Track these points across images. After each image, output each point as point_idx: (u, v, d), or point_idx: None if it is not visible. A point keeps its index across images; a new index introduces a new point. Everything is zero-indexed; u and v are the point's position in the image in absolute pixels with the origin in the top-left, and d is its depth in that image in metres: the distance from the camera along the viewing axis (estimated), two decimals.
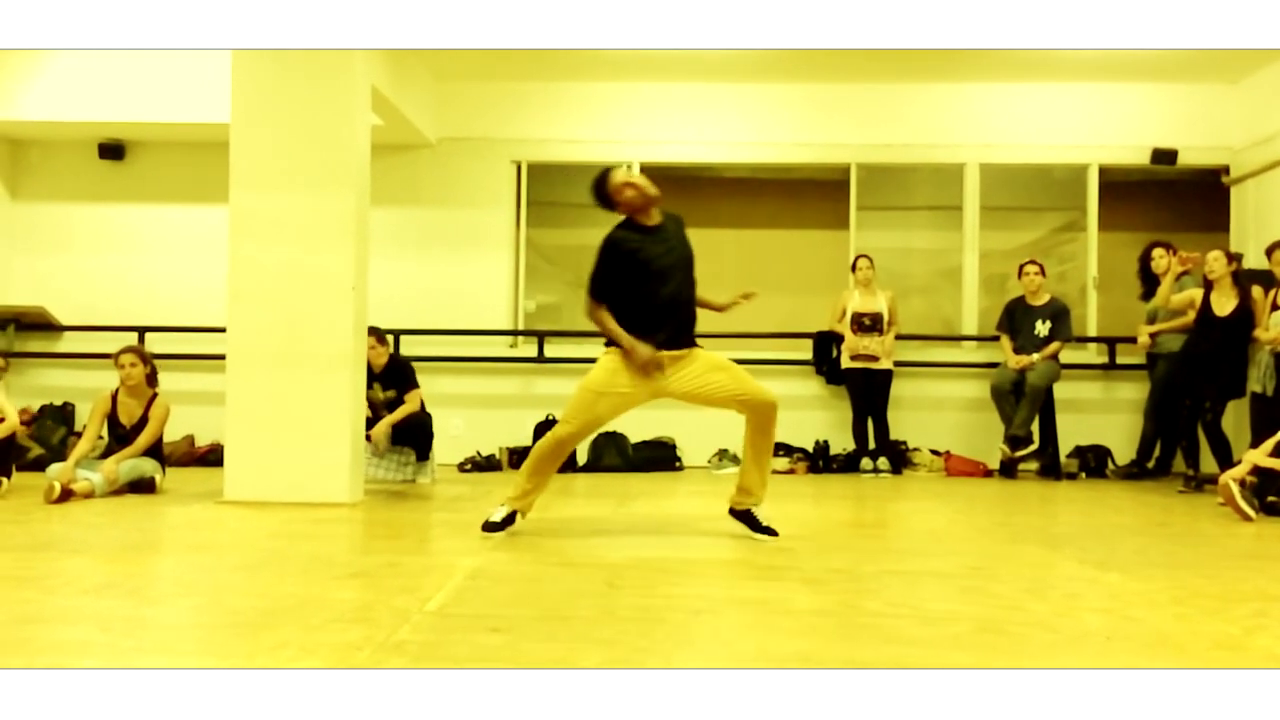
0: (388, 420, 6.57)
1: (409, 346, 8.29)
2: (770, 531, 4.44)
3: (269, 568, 3.74)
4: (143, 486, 6.07)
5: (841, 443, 8.22)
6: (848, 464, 8.05)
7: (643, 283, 4.33)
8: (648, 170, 8.71)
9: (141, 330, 8.37)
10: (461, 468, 7.98)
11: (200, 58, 7.49)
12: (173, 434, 7.33)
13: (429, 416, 6.84)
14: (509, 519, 4.46)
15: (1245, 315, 6.66)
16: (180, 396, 7.11)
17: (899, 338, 8.16)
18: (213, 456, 7.70)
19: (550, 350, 8.49)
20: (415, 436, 6.78)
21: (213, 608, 3.11)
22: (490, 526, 4.42)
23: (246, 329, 5.71)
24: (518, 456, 8.20)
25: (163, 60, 7.80)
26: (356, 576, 3.55)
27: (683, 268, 4.43)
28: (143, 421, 6.19)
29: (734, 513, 4.53)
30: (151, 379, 6.33)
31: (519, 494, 4.49)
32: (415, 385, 6.83)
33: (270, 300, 5.69)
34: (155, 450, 6.23)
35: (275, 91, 5.74)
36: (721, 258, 9.17)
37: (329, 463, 5.63)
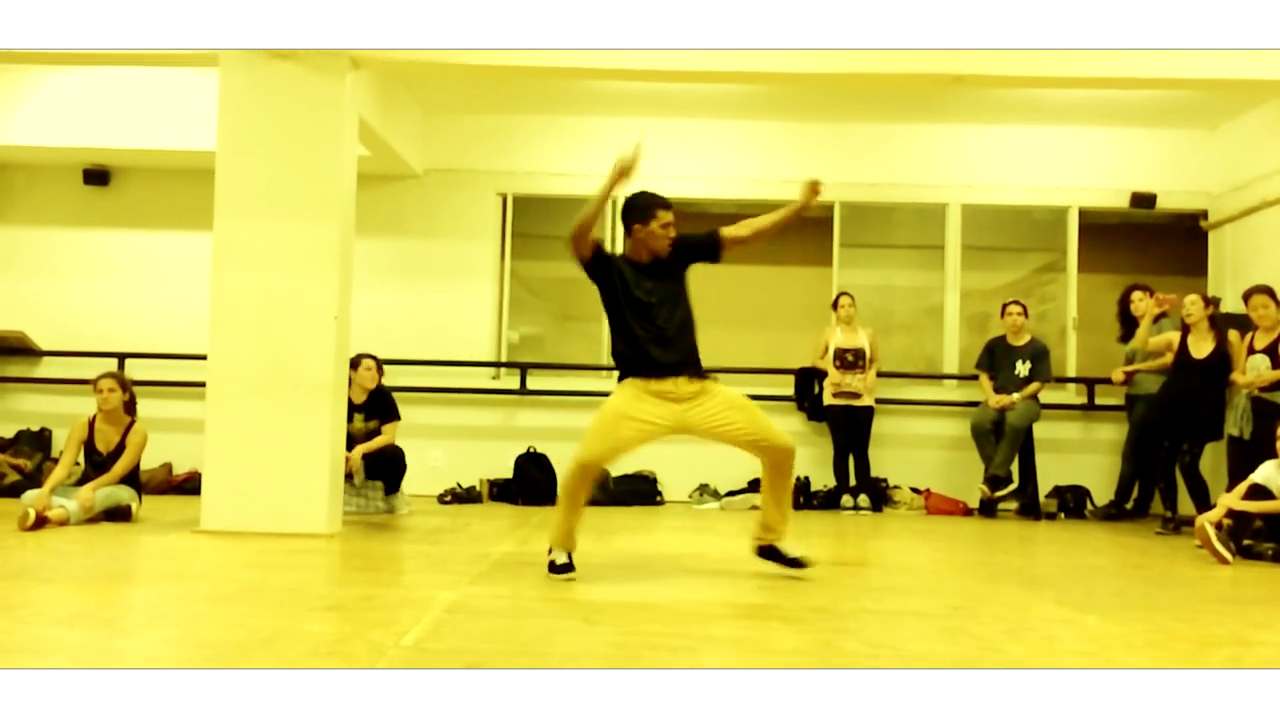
0: (362, 448, 6.54)
1: (391, 377, 8.24)
2: (799, 563, 4.37)
3: (244, 599, 3.71)
4: (118, 514, 6.01)
5: (822, 479, 8.22)
6: (828, 501, 8.05)
7: (631, 314, 4.32)
8: None
9: (121, 356, 8.32)
10: (441, 499, 7.94)
11: (187, 85, 7.50)
12: (150, 461, 7.26)
13: (401, 451, 6.82)
14: (569, 564, 4.26)
15: (1222, 358, 6.72)
16: (159, 423, 7.06)
17: (880, 375, 8.19)
18: (190, 485, 7.63)
19: (533, 382, 8.48)
20: (387, 469, 6.74)
21: (185, 640, 3.08)
22: (555, 568, 4.24)
23: (227, 357, 5.68)
24: (498, 489, 8.17)
25: (149, 86, 7.81)
26: (332, 609, 3.52)
27: (671, 302, 4.41)
28: (120, 448, 6.14)
29: (760, 551, 4.45)
30: (130, 407, 6.29)
31: (561, 535, 4.30)
32: (396, 417, 6.83)
33: (252, 328, 5.67)
34: (132, 478, 6.18)
35: (262, 120, 5.75)
36: (704, 292, 9.13)
37: (307, 493, 5.59)
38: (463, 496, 8.00)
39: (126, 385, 6.31)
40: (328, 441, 5.66)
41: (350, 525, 6.03)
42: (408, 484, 7.08)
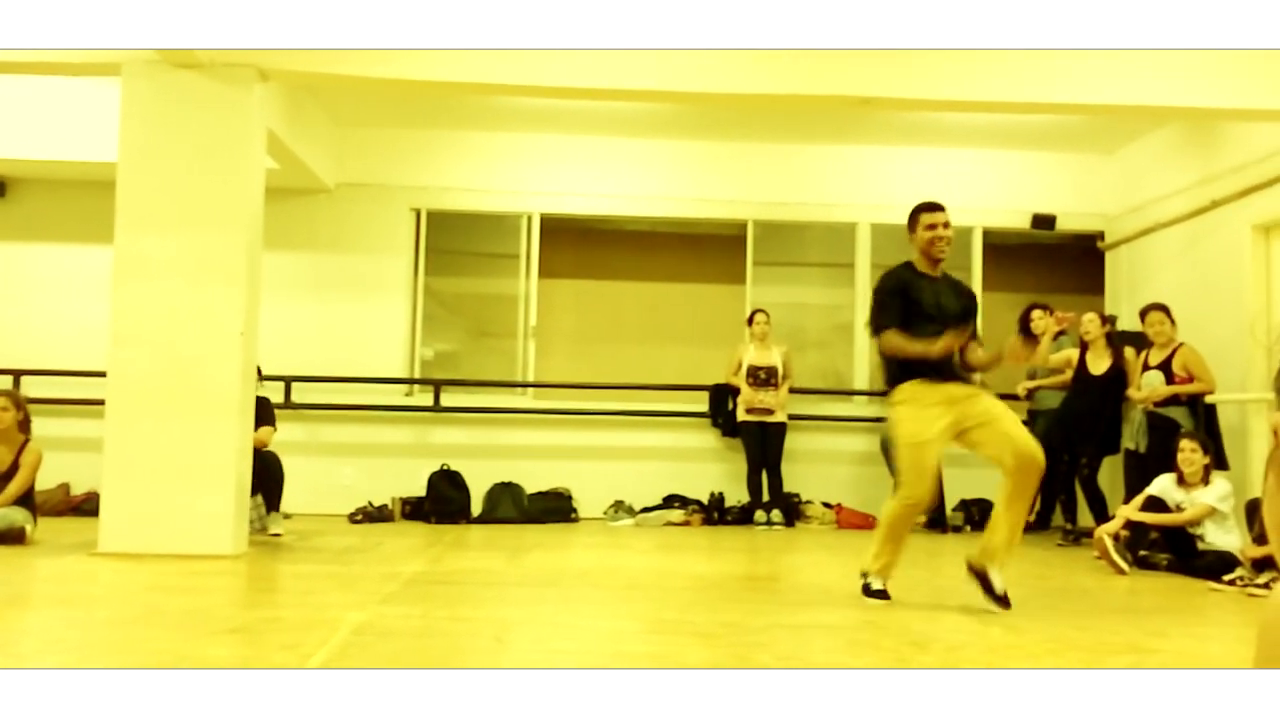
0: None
1: (301, 393, 8.11)
2: (1000, 601, 4.12)
3: (143, 623, 3.60)
4: (12, 537, 5.78)
5: (736, 495, 8.28)
6: (742, 516, 8.11)
7: (920, 325, 4.31)
8: (549, 221, 8.77)
9: (17, 373, 8.03)
10: (352, 518, 7.80)
11: (87, 95, 7.28)
12: (46, 482, 7.02)
13: (276, 457, 6.36)
14: (883, 592, 4.31)
15: (1119, 375, 6.95)
16: (56, 442, 6.82)
17: (793, 391, 8.29)
18: (89, 506, 7.38)
19: (446, 399, 8.40)
20: (265, 478, 6.20)
21: (80, 667, 2.97)
22: (871, 593, 4.29)
23: (128, 373, 5.51)
24: (410, 507, 8.06)
25: (48, 96, 7.55)
26: (235, 632, 3.44)
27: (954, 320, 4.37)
28: (13, 469, 5.93)
29: (971, 569, 4.25)
30: (24, 426, 6.07)
31: (879, 566, 4.32)
32: (272, 420, 6.44)
33: (154, 344, 5.51)
34: (26, 499, 5.96)
35: (166, 131, 5.61)
36: (621, 309, 9.23)
37: (211, 513, 5.45)
38: (374, 515, 7.87)
39: (21, 404, 6.10)
40: (233, 460, 5.53)
41: (256, 546, 5.89)
42: (317, 501, 6.94)
